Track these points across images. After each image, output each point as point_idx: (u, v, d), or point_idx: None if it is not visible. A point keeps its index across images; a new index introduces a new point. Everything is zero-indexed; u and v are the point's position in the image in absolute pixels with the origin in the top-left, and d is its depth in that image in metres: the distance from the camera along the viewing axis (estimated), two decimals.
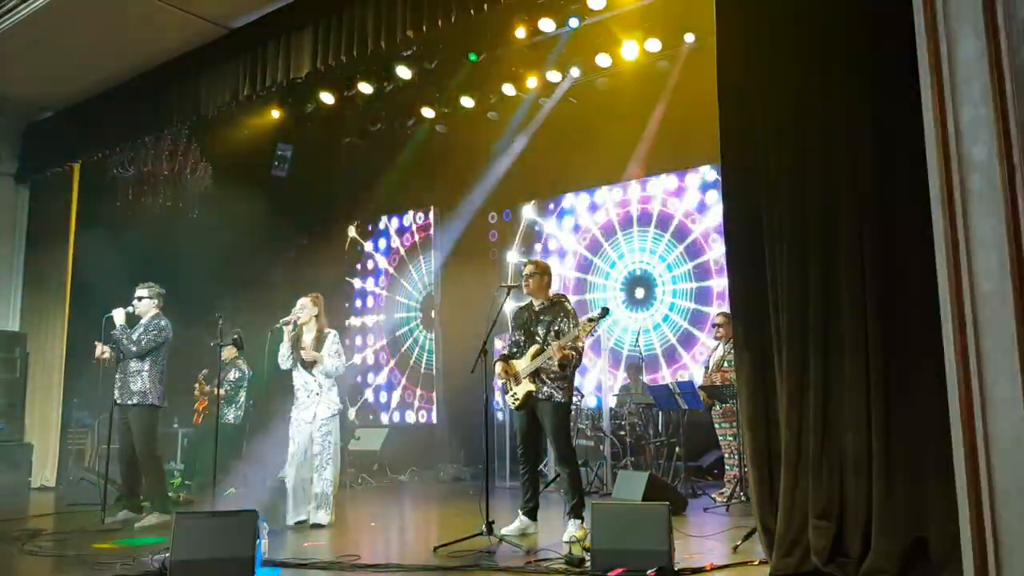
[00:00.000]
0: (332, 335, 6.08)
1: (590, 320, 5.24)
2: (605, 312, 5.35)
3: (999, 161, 2.74)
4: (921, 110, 3.00)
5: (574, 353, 5.30)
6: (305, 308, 6.05)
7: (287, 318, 5.98)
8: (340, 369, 6.04)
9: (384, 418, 12.00)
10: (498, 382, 5.66)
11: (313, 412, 5.94)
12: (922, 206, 3.03)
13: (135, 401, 6.14)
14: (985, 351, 2.76)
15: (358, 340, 12.67)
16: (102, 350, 6.25)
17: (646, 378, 9.24)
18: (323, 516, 5.83)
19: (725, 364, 7.06)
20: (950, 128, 2.88)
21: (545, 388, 5.34)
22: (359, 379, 12.50)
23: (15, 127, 9.52)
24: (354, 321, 12.80)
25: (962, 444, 2.80)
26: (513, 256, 11.20)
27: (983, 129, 2.78)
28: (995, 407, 2.74)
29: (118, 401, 6.22)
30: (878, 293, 3.65)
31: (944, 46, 2.92)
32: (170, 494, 6.68)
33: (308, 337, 6.01)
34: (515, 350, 5.57)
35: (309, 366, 5.97)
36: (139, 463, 6.24)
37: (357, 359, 12.58)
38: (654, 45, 8.17)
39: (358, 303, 12.85)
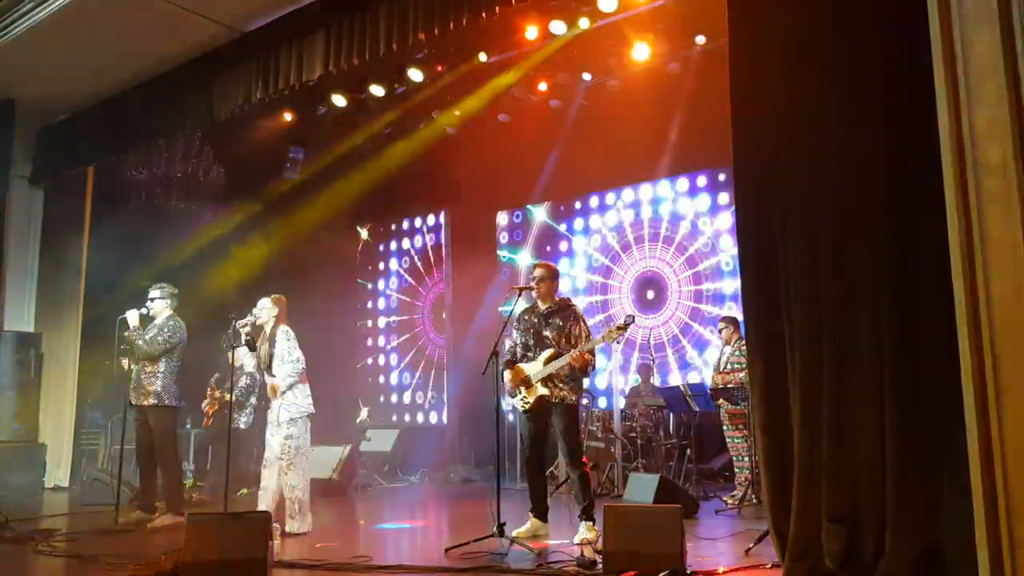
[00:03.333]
0: (282, 332, 5.77)
1: (618, 328, 5.22)
2: (631, 320, 5.33)
3: (1015, 163, 2.73)
4: (936, 111, 2.99)
5: (592, 358, 5.31)
6: (264, 309, 5.82)
7: (244, 320, 5.73)
8: (296, 369, 5.69)
9: (395, 419, 12.02)
10: (506, 387, 5.61)
11: (277, 414, 5.69)
12: (937, 208, 3.01)
13: (152, 402, 6.17)
14: (1000, 354, 2.75)
15: (369, 342, 12.70)
16: (126, 364, 6.29)
17: (656, 380, 9.23)
18: (297, 524, 5.59)
19: (728, 366, 7.05)
20: (965, 130, 2.87)
21: (558, 391, 5.33)
22: (370, 380, 12.53)
23: (30, 130, 9.58)
24: (365, 322, 12.83)
25: (977, 448, 2.78)
26: (523, 258, 11.21)
27: (998, 131, 2.77)
28: (1010, 410, 2.72)
29: (133, 402, 6.26)
30: (892, 295, 3.63)
31: (959, 47, 2.91)
32: (184, 494, 6.70)
33: (265, 339, 5.80)
34: (522, 352, 5.55)
35: (267, 368, 5.74)
36: (156, 463, 6.27)
37: (368, 360, 12.62)
38: (665, 47, 8.15)
39: (369, 304, 12.88)
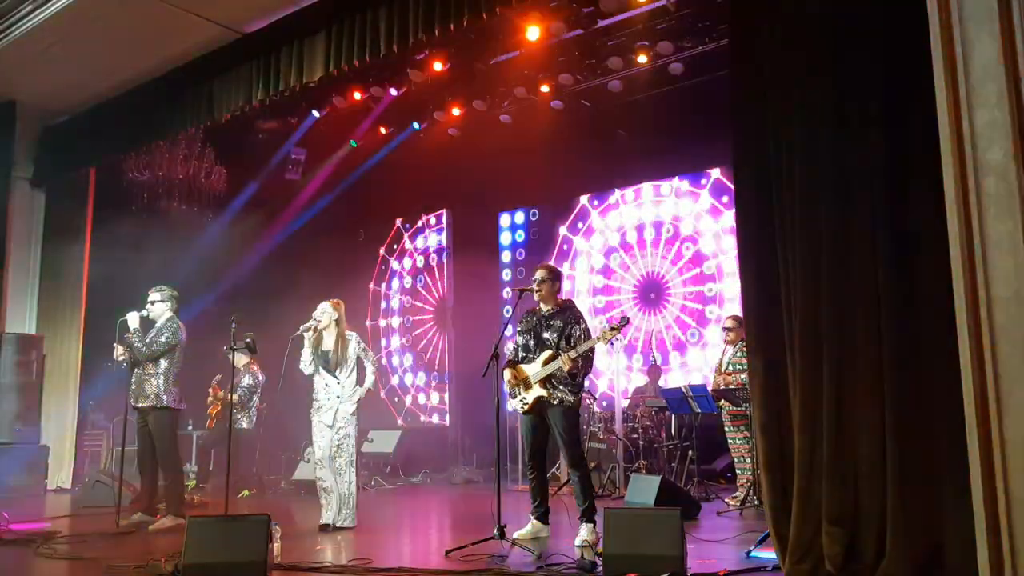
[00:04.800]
0: (355, 339, 6.08)
1: (612, 329, 5.23)
2: (626, 321, 5.32)
3: (1015, 164, 2.72)
4: (936, 112, 2.98)
5: (583, 361, 5.29)
6: (326, 313, 6.02)
7: (307, 324, 5.93)
8: (374, 363, 6.18)
9: (397, 420, 12.02)
10: (505, 388, 5.62)
11: (333, 415, 5.94)
12: (937, 209, 3.01)
13: (151, 404, 6.16)
14: (1001, 355, 2.74)
15: (371, 342, 12.71)
16: (120, 351, 6.29)
17: (662, 381, 9.21)
18: (346, 518, 5.88)
19: (730, 367, 7.03)
20: (965, 131, 2.86)
21: (556, 392, 5.32)
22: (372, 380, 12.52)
23: (32, 131, 9.58)
24: (368, 324, 12.83)
25: (978, 449, 2.78)
26: (525, 259, 11.20)
27: (998, 132, 2.76)
28: (1011, 412, 2.71)
29: (134, 404, 6.26)
30: (892, 297, 3.61)
31: (959, 48, 2.90)
32: (184, 496, 6.70)
33: (329, 341, 5.99)
34: (524, 354, 5.54)
35: (333, 369, 5.97)
36: (157, 465, 6.27)
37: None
38: (666, 48, 8.14)
39: (372, 306, 12.89)
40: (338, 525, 5.84)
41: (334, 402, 5.95)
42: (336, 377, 5.98)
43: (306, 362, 5.97)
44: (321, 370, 5.99)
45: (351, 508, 5.92)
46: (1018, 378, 2.69)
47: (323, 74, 6.84)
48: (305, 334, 5.92)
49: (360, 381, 6.07)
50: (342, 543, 5.37)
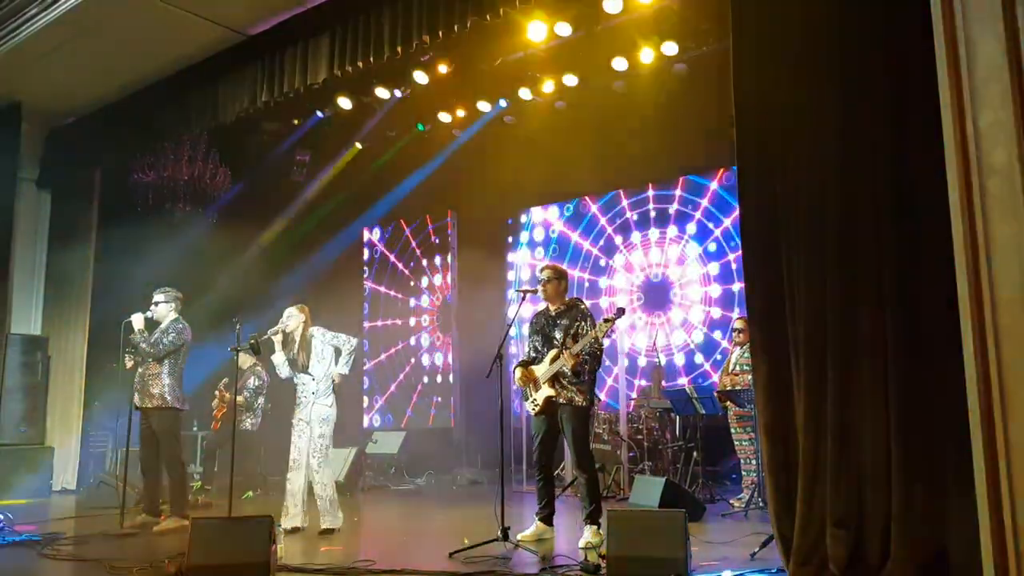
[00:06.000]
0: (318, 333, 6.04)
1: (606, 321, 5.23)
2: (620, 312, 5.33)
3: (1019, 165, 2.70)
4: (941, 113, 2.97)
5: (588, 358, 5.28)
6: (292, 317, 6.03)
7: (275, 328, 5.96)
8: (350, 345, 6.06)
9: (402, 421, 12.01)
10: (516, 387, 5.64)
11: (310, 413, 5.94)
12: (942, 210, 2.99)
13: (155, 404, 6.18)
14: (1005, 358, 2.72)
15: (375, 343, 12.71)
16: (129, 361, 6.30)
17: (665, 382, 9.20)
18: (332, 520, 5.84)
19: (737, 367, 7.01)
20: (969, 132, 2.84)
21: (565, 392, 5.31)
22: (376, 382, 12.54)
23: (37, 133, 9.62)
24: (371, 325, 12.83)
25: (982, 452, 2.76)
26: (530, 260, 11.20)
27: (1003, 133, 2.75)
28: (1015, 414, 2.70)
29: (137, 405, 6.27)
30: (896, 298, 3.60)
31: (963, 49, 2.89)
32: (188, 497, 6.70)
33: (295, 345, 6.02)
34: (534, 355, 5.54)
35: (304, 369, 5.98)
36: (161, 466, 6.28)
37: (375, 361, 12.62)
38: (671, 48, 8.13)
39: (375, 307, 12.89)
40: (324, 527, 5.79)
41: (310, 398, 5.97)
42: (311, 374, 6.00)
43: (280, 365, 5.99)
44: (297, 372, 6.03)
45: (337, 509, 5.90)
46: (1022, 379, 2.67)
47: (327, 76, 6.86)
48: (273, 338, 5.95)
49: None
50: (345, 544, 5.37)
